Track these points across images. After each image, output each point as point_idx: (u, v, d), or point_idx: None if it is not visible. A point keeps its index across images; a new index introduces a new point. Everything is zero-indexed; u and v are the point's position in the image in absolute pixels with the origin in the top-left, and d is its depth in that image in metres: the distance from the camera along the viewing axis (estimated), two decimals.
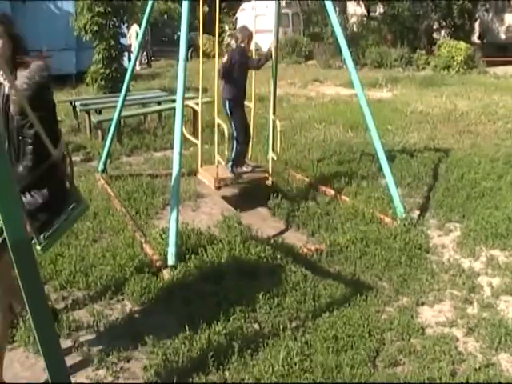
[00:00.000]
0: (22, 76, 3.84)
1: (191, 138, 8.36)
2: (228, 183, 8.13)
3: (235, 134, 8.12)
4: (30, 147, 3.90)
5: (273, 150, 8.65)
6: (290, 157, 10.12)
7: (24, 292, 3.31)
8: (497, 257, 6.58)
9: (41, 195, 4.04)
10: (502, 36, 32.45)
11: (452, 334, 5.05)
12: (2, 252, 3.51)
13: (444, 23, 31.13)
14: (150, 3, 8.53)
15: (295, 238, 7.09)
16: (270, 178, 8.54)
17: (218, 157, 8.07)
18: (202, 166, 8.25)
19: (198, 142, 7.96)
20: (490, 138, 12.20)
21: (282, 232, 7.34)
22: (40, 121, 3.78)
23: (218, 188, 7.97)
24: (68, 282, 5.74)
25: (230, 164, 8.14)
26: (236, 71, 7.92)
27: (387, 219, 7.44)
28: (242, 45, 7.97)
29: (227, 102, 8.04)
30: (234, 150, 8.12)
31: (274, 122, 8.43)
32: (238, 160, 8.21)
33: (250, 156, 8.67)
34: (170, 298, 5.44)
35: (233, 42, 8.11)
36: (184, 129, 8.03)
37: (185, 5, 6.74)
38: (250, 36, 8.03)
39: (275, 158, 8.53)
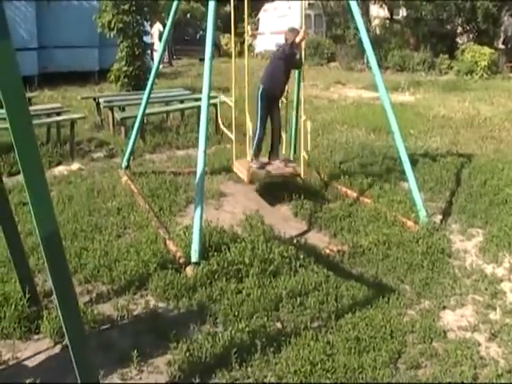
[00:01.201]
0: None
1: (226, 131, 8.40)
2: (260, 177, 8.29)
3: (258, 122, 8.23)
4: None
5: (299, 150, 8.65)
6: (312, 158, 10.12)
7: (53, 284, 3.37)
8: None
9: None
10: None
11: (474, 338, 5.05)
12: None
13: (468, 28, 30.94)
14: (175, 3, 8.59)
15: (317, 239, 7.11)
16: (302, 175, 8.47)
17: (250, 151, 8.12)
18: (235, 159, 8.34)
19: (233, 136, 7.99)
20: None
21: (304, 232, 7.36)
22: None
23: (251, 181, 8.14)
24: (92, 276, 5.81)
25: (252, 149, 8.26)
26: (281, 64, 8.12)
27: (409, 223, 7.44)
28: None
29: (260, 88, 8.20)
30: (256, 137, 8.24)
31: (304, 123, 8.40)
32: (257, 147, 8.34)
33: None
34: (194, 295, 5.48)
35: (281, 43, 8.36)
36: (221, 123, 8.50)
37: (211, 5, 6.79)
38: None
39: (306, 157, 8.49)
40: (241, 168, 8.19)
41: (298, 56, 8.45)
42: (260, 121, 8.23)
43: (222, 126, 8.52)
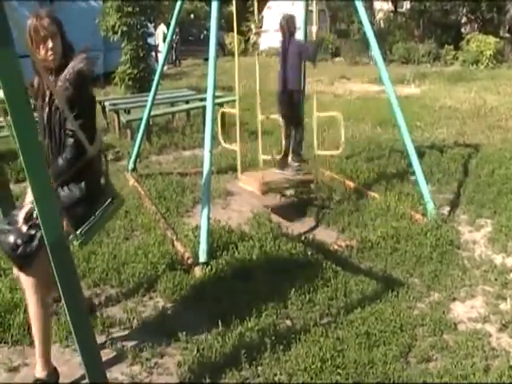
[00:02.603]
0: (67, 68, 3.98)
1: (227, 146, 8.23)
2: (273, 187, 7.83)
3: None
4: (71, 140, 3.99)
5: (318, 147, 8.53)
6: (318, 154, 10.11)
7: (61, 290, 3.38)
8: None
9: (78, 189, 4.12)
10: None
11: (485, 329, 5.02)
12: (42, 245, 3.55)
13: (472, 17, 30.85)
14: (178, 3, 8.60)
15: (326, 235, 7.09)
16: (315, 180, 8.32)
17: (262, 157, 8.04)
18: (242, 172, 7.92)
19: (238, 148, 7.63)
20: None
21: (312, 229, 7.35)
22: (80, 114, 3.89)
23: (264, 193, 7.65)
24: (101, 280, 5.81)
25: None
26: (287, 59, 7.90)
27: (418, 215, 7.41)
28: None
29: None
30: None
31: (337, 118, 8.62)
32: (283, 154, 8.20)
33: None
34: (202, 295, 5.48)
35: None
36: (221, 138, 8.17)
37: (214, 5, 6.78)
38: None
39: (339, 151, 8.54)
40: (250, 181, 7.77)
41: (308, 46, 8.16)
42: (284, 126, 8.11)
43: (222, 143, 8.24)
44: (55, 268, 3.32)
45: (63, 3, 21.07)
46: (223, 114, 8.70)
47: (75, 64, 4.04)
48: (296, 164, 8.21)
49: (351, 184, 8.64)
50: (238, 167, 7.85)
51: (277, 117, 8.22)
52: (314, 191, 8.32)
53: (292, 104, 8.06)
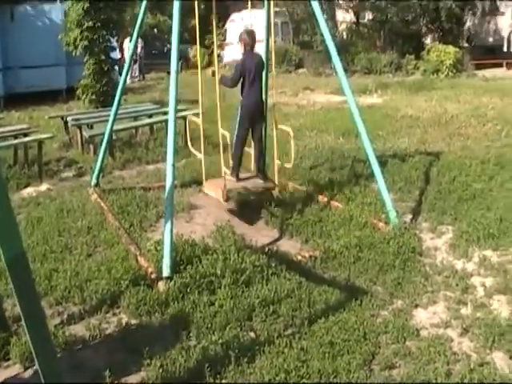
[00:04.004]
0: None
1: (195, 152, 8.31)
2: (235, 194, 8.07)
3: (235, 138, 8.12)
4: None
5: (278, 159, 8.52)
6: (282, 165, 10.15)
7: (20, 308, 3.33)
8: (489, 257, 6.63)
9: None
10: (490, 39, 32.71)
11: (447, 334, 5.09)
12: None
13: (432, 27, 31.33)
14: (140, 17, 8.63)
15: (289, 246, 7.11)
16: (276, 188, 8.47)
17: (224, 168, 8.02)
18: (206, 179, 8.13)
19: (201, 155, 7.87)
20: (480, 140, 12.28)
21: (276, 240, 7.37)
22: None
23: (227, 200, 7.77)
24: (63, 298, 5.76)
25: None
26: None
27: (380, 224, 7.49)
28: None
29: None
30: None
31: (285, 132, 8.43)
32: (234, 158, 8.16)
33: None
34: (166, 310, 5.46)
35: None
36: (190, 144, 8.26)
37: (175, 17, 6.82)
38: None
39: (290, 166, 8.48)
40: (213, 188, 7.94)
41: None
42: (237, 138, 8.08)
43: (191, 148, 8.41)
44: (14, 285, 3.27)
45: (26, 19, 20.99)
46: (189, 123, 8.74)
47: None
48: (261, 181, 8.30)
49: (314, 194, 8.68)
50: (203, 175, 7.99)
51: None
52: (277, 202, 8.34)
53: (254, 116, 8.10)
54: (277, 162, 8.42)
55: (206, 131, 8.03)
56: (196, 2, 7.68)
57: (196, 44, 8.26)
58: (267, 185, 8.38)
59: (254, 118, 8.11)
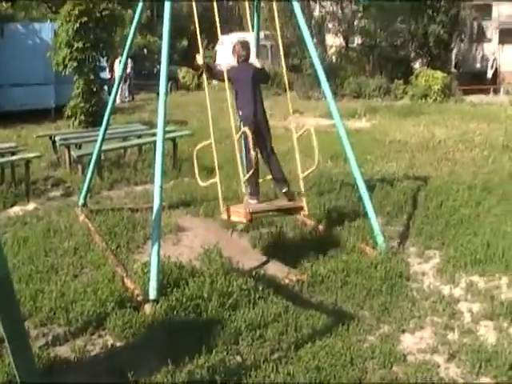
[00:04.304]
0: None
1: (204, 184, 7.38)
2: (260, 214, 7.40)
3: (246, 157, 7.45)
4: None
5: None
6: (268, 189, 10.12)
7: (4, 329, 3.30)
8: (476, 282, 6.65)
9: None
10: (477, 65, 33.03)
11: (433, 360, 5.09)
12: None
13: (421, 53, 31.59)
14: (130, 36, 8.69)
15: (277, 270, 7.09)
16: (305, 207, 7.38)
17: (243, 188, 7.23)
18: (223, 205, 7.10)
19: (217, 180, 6.98)
20: (468, 166, 12.34)
21: (263, 264, 7.35)
22: None
23: (250, 221, 6.98)
24: (48, 319, 5.72)
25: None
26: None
27: (368, 248, 7.49)
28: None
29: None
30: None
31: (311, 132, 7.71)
32: (250, 180, 7.20)
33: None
34: (152, 333, 5.42)
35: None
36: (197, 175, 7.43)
37: (165, 38, 6.86)
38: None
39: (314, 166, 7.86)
40: (236, 211, 7.00)
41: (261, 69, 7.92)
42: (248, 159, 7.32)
43: (200, 182, 7.39)
44: None
45: (16, 37, 21.02)
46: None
47: None
48: (287, 201, 7.57)
49: (302, 218, 8.67)
50: (220, 201, 7.05)
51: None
52: (265, 225, 8.33)
53: (258, 129, 7.40)
54: (300, 174, 7.71)
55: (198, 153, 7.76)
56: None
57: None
58: (295, 205, 7.53)
59: (259, 130, 7.39)
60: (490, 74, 31.55)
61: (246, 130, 7.01)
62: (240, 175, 7.06)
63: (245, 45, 7.82)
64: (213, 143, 7.12)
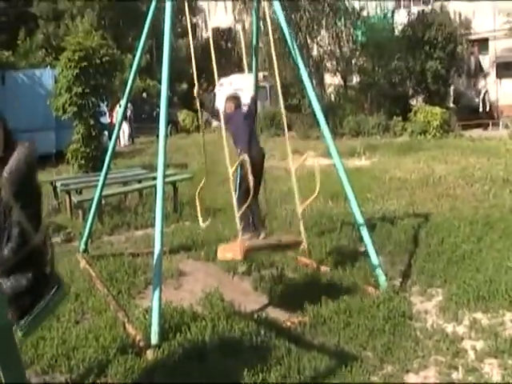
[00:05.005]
0: (12, 159, 3.98)
1: (204, 225, 7.48)
2: (256, 249, 7.52)
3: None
4: (17, 229, 3.96)
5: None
6: (270, 230, 10.14)
7: (4, 378, 3.28)
8: (480, 320, 6.59)
9: (25, 279, 4.07)
10: (476, 99, 33.20)
11: None
12: None
13: (419, 89, 31.80)
14: (129, 82, 8.81)
15: (278, 312, 7.06)
16: (304, 241, 7.44)
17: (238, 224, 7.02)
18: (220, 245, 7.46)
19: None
20: (469, 201, 12.36)
21: (265, 306, 7.31)
22: (25, 205, 3.88)
23: (245, 257, 7.00)
24: (50, 366, 5.68)
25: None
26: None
27: (370, 288, 7.46)
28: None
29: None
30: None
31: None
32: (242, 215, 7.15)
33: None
34: (155, 379, 5.38)
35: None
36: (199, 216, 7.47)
37: (164, 81, 6.96)
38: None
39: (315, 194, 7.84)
40: (229, 248, 7.15)
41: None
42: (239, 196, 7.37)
43: (201, 224, 7.51)
44: None
45: (17, 84, 21.29)
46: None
47: (19, 155, 4.04)
48: (263, 235, 7.70)
49: (303, 259, 8.67)
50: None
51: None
52: (266, 267, 8.33)
53: (255, 170, 7.37)
54: (298, 208, 7.85)
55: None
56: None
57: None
58: (293, 239, 7.71)
59: (255, 171, 7.30)
60: (481, 108, 31.66)
61: (245, 156, 7.04)
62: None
63: (233, 97, 8.16)
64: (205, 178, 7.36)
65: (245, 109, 8.22)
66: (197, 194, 7.51)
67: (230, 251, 7.06)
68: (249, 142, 7.76)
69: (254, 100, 8.56)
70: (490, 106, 31.60)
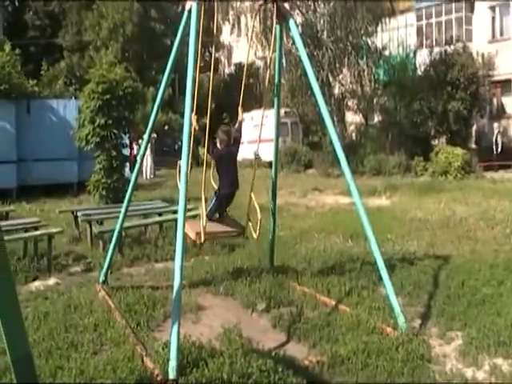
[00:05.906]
0: None
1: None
2: (208, 237, 8.58)
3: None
4: None
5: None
6: (290, 267, 10.16)
7: None
8: (500, 365, 6.50)
9: None
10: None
11: None
12: None
13: (441, 129, 31.79)
14: (152, 115, 8.94)
15: (297, 350, 7.01)
16: (245, 232, 8.95)
17: (202, 211, 8.43)
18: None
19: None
20: (489, 244, 12.27)
21: (283, 344, 7.25)
22: None
23: (200, 242, 8.68)
24: None
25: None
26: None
27: (389, 329, 7.40)
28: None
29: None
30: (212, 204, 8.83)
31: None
32: (212, 214, 8.86)
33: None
34: None
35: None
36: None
37: (187, 116, 7.06)
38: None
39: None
40: (190, 229, 8.45)
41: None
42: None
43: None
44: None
45: (42, 113, 21.64)
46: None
47: None
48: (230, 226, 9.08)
49: (322, 298, 8.65)
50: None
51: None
52: (285, 305, 8.31)
53: (227, 201, 9.00)
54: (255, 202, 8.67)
55: None
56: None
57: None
58: (235, 229, 9.02)
59: (227, 202, 9.02)
60: (495, 150, 31.45)
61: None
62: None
63: (226, 131, 8.93)
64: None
65: (230, 148, 8.84)
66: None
67: (191, 231, 8.48)
68: (233, 184, 8.82)
69: (239, 130, 9.19)
70: (502, 147, 31.33)
